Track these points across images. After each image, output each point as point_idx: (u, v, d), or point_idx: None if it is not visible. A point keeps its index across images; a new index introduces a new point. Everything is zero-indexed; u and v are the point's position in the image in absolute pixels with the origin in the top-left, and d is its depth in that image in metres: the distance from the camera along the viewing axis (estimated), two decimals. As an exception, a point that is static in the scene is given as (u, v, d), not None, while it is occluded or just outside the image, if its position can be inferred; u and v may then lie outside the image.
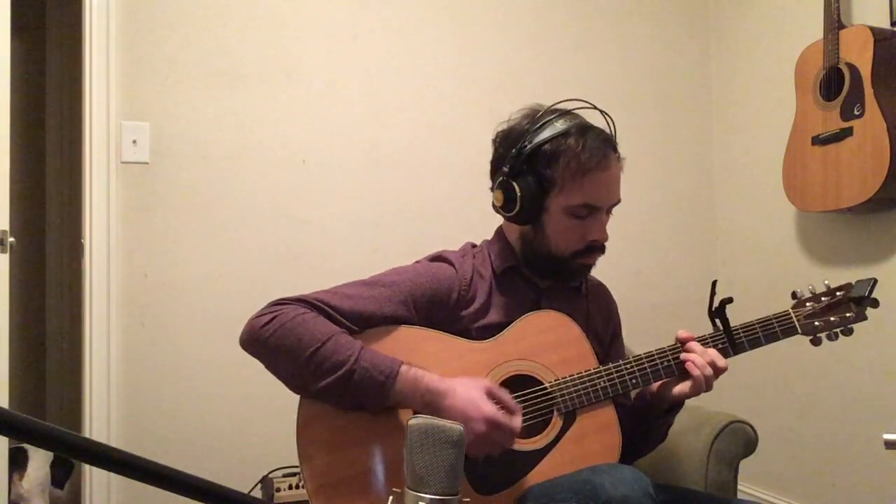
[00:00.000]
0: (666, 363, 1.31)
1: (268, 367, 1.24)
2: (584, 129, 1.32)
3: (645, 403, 1.36)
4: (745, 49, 2.75)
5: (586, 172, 1.29)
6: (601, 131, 1.34)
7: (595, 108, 1.36)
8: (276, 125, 2.37)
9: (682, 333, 1.32)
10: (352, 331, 1.25)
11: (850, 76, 2.10)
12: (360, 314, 1.26)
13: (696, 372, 1.26)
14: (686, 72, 2.87)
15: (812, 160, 2.23)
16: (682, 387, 1.29)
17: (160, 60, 2.27)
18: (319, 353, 1.18)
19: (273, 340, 1.20)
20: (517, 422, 1.19)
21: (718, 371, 1.28)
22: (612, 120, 1.37)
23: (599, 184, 1.31)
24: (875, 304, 1.34)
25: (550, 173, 1.30)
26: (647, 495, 1.08)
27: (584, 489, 1.09)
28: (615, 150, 1.35)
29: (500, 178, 1.34)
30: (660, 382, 1.33)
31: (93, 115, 2.19)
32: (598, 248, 1.36)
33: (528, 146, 1.31)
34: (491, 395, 1.19)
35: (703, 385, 1.27)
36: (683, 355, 1.30)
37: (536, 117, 1.34)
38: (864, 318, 1.34)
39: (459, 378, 1.21)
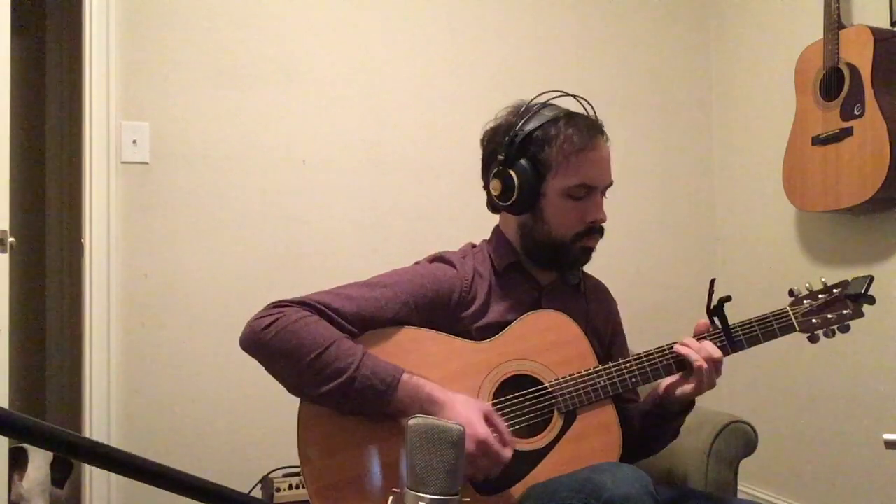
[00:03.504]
0: (665, 361, 1.31)
1: (267, 369, 1.24)
2: (572, 114, 1.36)
3: (656, 406, 1.36)
4: (745, 49, 2.75)
5: (580, 152, 1.32)
6: (587, 116, 1.38)
7: (570, 94, 1.40)
8: (276, 125, 2.37)
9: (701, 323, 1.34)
10: (353, 333, 1.24)
11: (850, 76, 2.10)
12: (361, 316, 1.26)
13: (697, 365, 1.27)
14: (686, 72, 2.87)
15: (812, 160, 2.23)
16: (686, 386, 1.30)
17: (160, 60, 2.27)
18: (321, 358, 1.18)
19: (274, 344, 1.20)
20: (507, 453, 1.18)
21: (714, 362, 1.28)
22: (591, 106, 1.41)
23: (593, 163, 1.34)
24: (871, 301, 1.34)
25: (545, 157, 1.33)
26: (648, 494, 1.08)
27: (586, 488, 1.09)
28: (602, 132, 1.38)
29: (496, 169, 1.36)
30: (666, 385, 1.33)
31: (93, 115, 2.19)
32: (597, 229, 1.38)
33: (521, 135, 1.33)
34: (489, 420, 1.19)
35: (706, 380, 1.28)
36: (678, 348, 1.30)
37: (522, 110, 1.37)
38: (861, 315, 1.34)
39: (462, 395, 1.21)
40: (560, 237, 1.36)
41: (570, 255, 1.38)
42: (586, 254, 1.40)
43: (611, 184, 1.39)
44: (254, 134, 2.35)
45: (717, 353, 1.28)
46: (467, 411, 1.17)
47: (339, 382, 1.17)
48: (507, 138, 1.34)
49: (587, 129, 1.34)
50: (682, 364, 1.31)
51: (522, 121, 1.35)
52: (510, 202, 1.35)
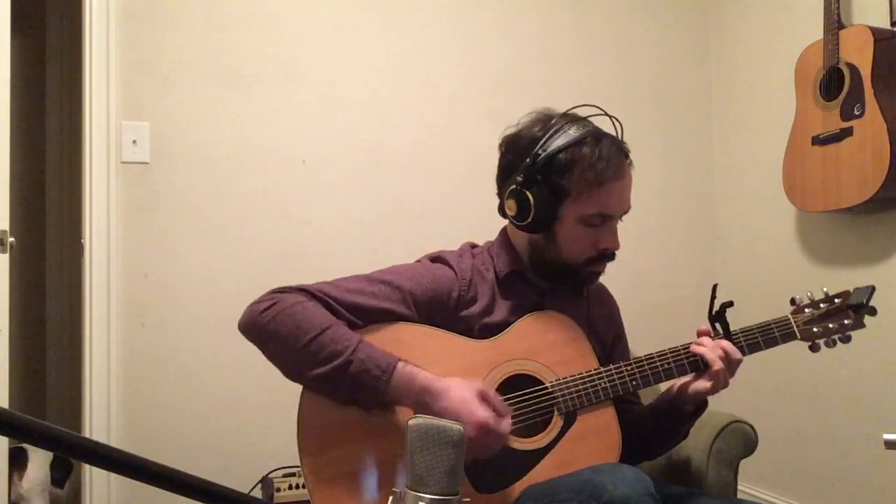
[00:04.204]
0: (666, 365, 1.31)
1: (264, 352, 1.24)
2: (598, 137, 1.30)
3: (668, 406, 1.36)
4: (745, 49, 2.75)
5: (602, 182, 1.28)
6: (614, 139, 1.33)
7: (606, 114, 1.34)
8: (276, 125, 2.37)
9: (702, 328, 1.33)
10: (352, 323, 1.25)
11: (850, 76, 2.10)
12: (360, 308, 1.26)
13: (716, 369, 1.26)
14: (686, 72, 2.86)
15: (812, 160, 2.23)
16: (699, 384, 1.29)
17: (160, 60, 2.27)
18: (317, 341, 1.18)
19: (271, 326, 1.20)
20: (506, 425, 1.19)
21: (732, 363, 1.28)
22: (621, 125, 1.35)
23: (614, 193, 1.31)
24: (873, 312, 1.34)
25: (565, 183, 1.29)
26: (648, 495, 1.07)
27: (586, 489, 1.09)
28: (627, 156, 1.34)
29: (513, 187, 1.31)
30: (680, 384, 1.33)
31: (93, 115, 2.19)
32: (609, 255, 1.36)
33: (542, 154, 1.29)
34: (483, 398, 1.19)
35: (721, 379, 1.27)
36: (694, 347, 1.30)
37: (549, 124, 1.31)
38: (862, 325, 1.34)
39: (455, 379, 1.21)
40: (570, 260, 1.35)
41: (579, 277, 1.38)
42: (594, 277, 1.40)
43: (628, 210, 1.36)
44: (254, 134, 2.35)
45: (736, 354, 1.28)
46: (462, 393, 1.18)
47: (334, 366, 1.17)
48: (527, 158, 1.30)
49: (613, 157, 1.28)
50: (682, 368, 1.31)
51: (546, 136, 1.30)
52: (524, 223, 1.32)
